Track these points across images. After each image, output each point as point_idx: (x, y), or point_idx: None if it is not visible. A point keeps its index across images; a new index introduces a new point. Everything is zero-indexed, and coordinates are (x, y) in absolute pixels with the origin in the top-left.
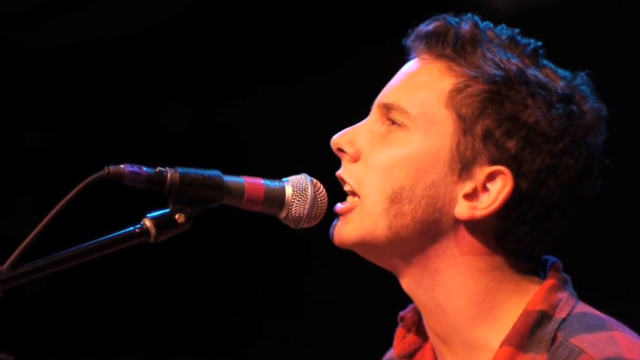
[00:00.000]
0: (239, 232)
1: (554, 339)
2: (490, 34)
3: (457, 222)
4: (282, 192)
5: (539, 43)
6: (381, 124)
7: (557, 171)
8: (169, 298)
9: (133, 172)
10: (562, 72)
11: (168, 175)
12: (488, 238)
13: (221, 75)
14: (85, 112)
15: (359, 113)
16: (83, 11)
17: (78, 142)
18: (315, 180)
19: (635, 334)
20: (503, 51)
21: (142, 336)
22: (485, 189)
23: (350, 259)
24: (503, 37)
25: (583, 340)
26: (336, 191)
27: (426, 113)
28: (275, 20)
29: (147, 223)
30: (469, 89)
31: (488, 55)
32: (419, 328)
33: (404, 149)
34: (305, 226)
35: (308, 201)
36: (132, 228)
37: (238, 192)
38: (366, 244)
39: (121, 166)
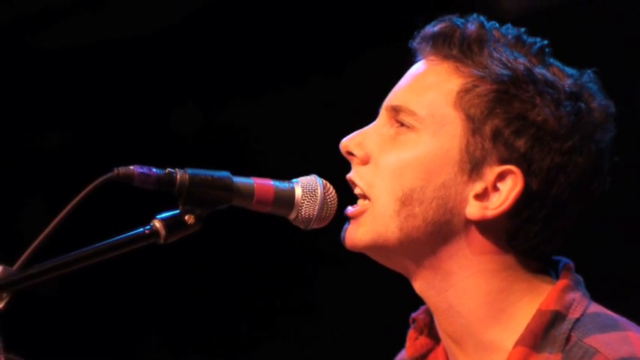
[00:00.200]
0: (249, 234)
1: (568, 339)
2: (496, 33)
3: (468, 222)
4: (291, 193)
5: (546, 42)
6: (389, 127)
7: (566, 169)
8: (181, 299)
9: (142, 173)
10: (569, 70)
11: (178, 177)
12: (499, 238)
13: (231, 76)
14: (95, 113)
15: (368, 116)
16: (92, 14)
17: (88, 143)
18: (324, 181)
19: None
20: (509, 50)
21: (153, 337)
22: (495, 189)
23: (362, 260)
24: (510, 37)
25: (597, 340)
26: (347, 194)
27: (435, 114)
28: (284, 23)
29: (157, 224)
30: (477, 89)
31: (495, 54)
32: (431, 330)
33: (413, 151)
34: (315, 226)
35: (318, 202)
36: (142, 229)
37: (248, 193)
38: (378, 246)
39: (131, 167)
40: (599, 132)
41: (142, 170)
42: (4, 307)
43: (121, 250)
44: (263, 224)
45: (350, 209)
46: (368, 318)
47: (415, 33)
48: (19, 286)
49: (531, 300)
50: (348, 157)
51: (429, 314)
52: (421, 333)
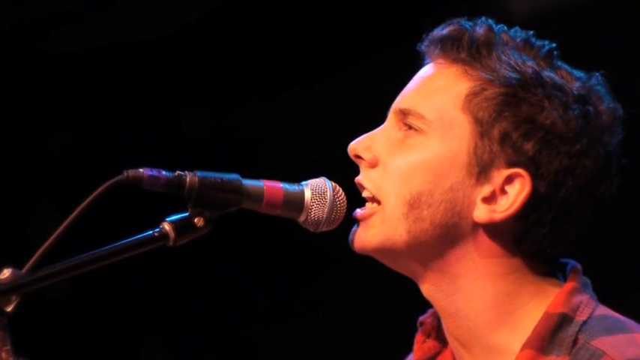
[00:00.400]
0: (257, 235)
1: (575, 341)
2: (504, 37)
3: (476, 225)
4: (301, 195)
5: (554, 45)
6: (398, 130)
7: (574, 172)
8: (189, 300)
9: (152, 175)
10: (577, 73)
11: (188, 179)
12: (506, 241)
13: (241, 79)
14: (105, 115)
15: (377, 118)
16: (103, 16)
17: (98, 145)
18: (334, 183)
19: None
20: (518, 53)
21: (162, 338)
22: (503, 192)
23: (370, 263)
24: (518, 40)
25: (604, 343)
26: (356, 197)
27: (443, 118)
28: (294, 25)
29: (166, 226)
30: (485, 92)
31: (504, 57)
32: (438, 333)
33: (421, 154)
34: (324, 229)
35: (327, 204)
36: (151, 232)
37: (257, 196)
38: (386, 249)
39: (140, 169)
40: (607, 135)
41: (151, 173)
42: (13, 309)
43: (131, 253)
44: (271, 226)
45: (358, 212)
46: (376, 320)
47: (424, 36)
48: (27, 289)
49: (538, 303)
50: (357, 161)
51: (437, 317)
52: (429, 336)
